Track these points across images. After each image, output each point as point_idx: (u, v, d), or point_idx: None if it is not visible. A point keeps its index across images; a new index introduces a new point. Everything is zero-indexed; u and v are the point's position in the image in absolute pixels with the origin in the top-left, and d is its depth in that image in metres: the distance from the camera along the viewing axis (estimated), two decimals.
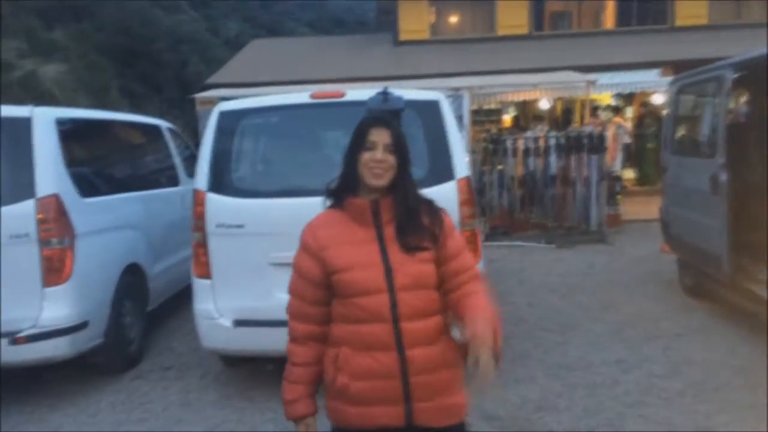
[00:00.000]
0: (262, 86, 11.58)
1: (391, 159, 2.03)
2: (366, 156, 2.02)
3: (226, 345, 4.57)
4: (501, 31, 16.54)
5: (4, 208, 4.42)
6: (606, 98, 14.70)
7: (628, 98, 15.08)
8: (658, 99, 13.66)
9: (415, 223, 2.05)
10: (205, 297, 4.47)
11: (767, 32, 11.87)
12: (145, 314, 5.76)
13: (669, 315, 6.03)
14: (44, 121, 4.69)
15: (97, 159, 5.75)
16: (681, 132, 6.85)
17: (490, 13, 16.65)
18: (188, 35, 31.26)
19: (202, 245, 4.41)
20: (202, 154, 4.54)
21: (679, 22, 16.19)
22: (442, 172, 4.28)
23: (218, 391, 4.81)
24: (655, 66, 13.64)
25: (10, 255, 4.40)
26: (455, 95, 10.24)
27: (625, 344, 5.33)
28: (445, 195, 3.90)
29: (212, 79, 15.12)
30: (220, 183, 4.45)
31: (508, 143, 10.48)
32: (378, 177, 2.02)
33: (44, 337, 4.43)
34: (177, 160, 7.09)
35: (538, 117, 14.27)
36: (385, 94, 2.36)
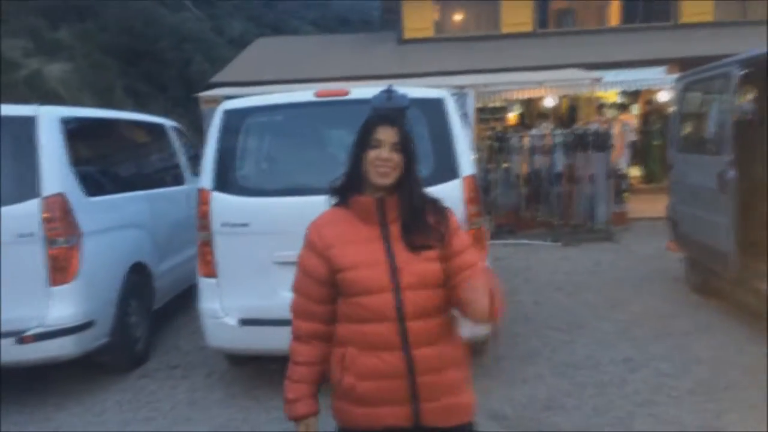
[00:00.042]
0: (267, 85, 11.58)
1: (397, 158, 2.01)
2: (372, 154, 2.00)
3: (232, 344, 4.57)
4: (505, 29, 16.48)
5: (10, 208, 4.41)
6: (611, 96, 14.63)
7: (633, 96, 15.01)
8: (663, 96, 13.60)
9: (420, 222, 2.03)
10: (210, 296, 4.46)
11: None
12: (151, 313, 5.75)
13: (677, 313, 5.99)
14: (49, 120, 4.69)
15: (102, 158, 5.75)
16: (687, 129, 6.81)
17: (495, 10, 16.59)
18: (192, 34, 31.28)
19: (207, 244, 4.40)
20: (206, 153, 4.53)
21: (684, 20, 16.11)
22: (448, 170, 4.26)
23: (224, 390, 4.80)
24: (660, 63, 13.57)
25: (16, 254, 4.39)
26: (460, 93, 10.21)
27: (632, 343, 5.30)
28: (450, 193, 3.88)
29: (216, 78, 15.11)
30: (224, 182, 4.44)
31: (514, 141, 10.45)
32: (384, 176, 2.00)
33: (50, 336, 4.43)
34: (182, 159, 7.09)
35: (543, 115, 14.21)
36: (389, 92, 2.33)
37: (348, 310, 2.04)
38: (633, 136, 13.62)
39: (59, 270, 4.47)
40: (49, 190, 4.48)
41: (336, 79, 12.28)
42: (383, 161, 1.99)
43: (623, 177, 11.35)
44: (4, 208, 4.40)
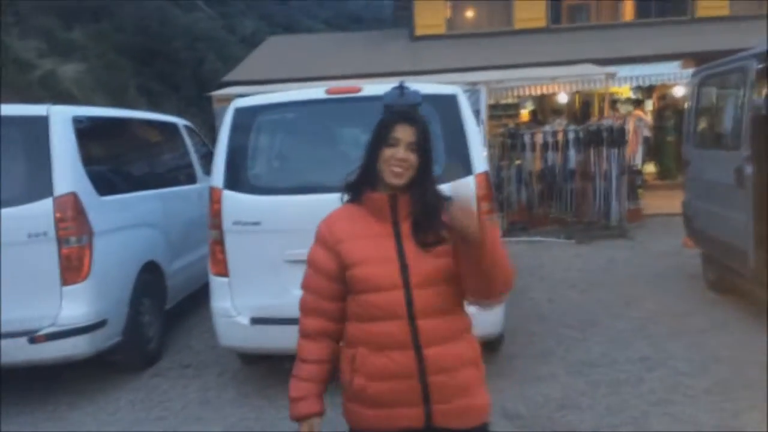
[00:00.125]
0: (279, 83, 11.58)
1: (413, 158, 1.97)
2: (387, 153, 1.97)
3: (244, 343, 4.56)
4: (518, 25, 16.39)
5: (23, 207, 4.43)
6: (625, 91, 14.52)
7: (647, 91, 14.88)
8: (678, 91, 13.48)
9: (432, 220, 1.98)
10: (222, 295, 4.45)
11: None
12: (164, 312, 5.76)
13: (693, 311, 5.92)
14: (61, 120, 4.69)
15: (114, 157, 5.75)
16: (703, 124, 6.72)
17: (507, 6, 16.51)
18: (205, 33, 31.41)
19: (219, 243, 4.40)
20: (218, 151, 4.53)
21: (699, 14, 15.95)
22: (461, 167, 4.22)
23: (236, 389, 4.80)
24: (675, 58, 13.45)
25: (29, 254, 4.40)
26: (472, 90, 10.15)
27: (648, 341, 5.24)
28: None
29: (229, 77, 15.14)
30: (236, 180, 4.43)
31: (526, 138, 10.38)
32: (397, 176, 1.97)
33: (63, 336, 4.44)
34: (194, 158, 7.09)
35: (557, 111, 14.13)
36: (401, 89, 2.31)
37: (357, 309, 2.01)
38: (647, 132, 13.51)
39: (72, 269, 4.47)
40: (61, 190, 4.49)
41: (348, 76, 12.25)
42: (398, 161, 1.96)
43: (638, 173, 11.25)
44: (17, 208, 4.41)
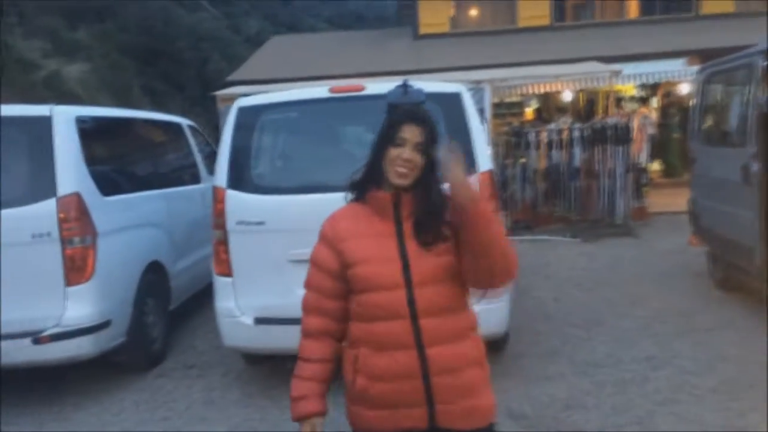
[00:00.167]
0: (283, 82, 11.57)
1: (419, 159, 1.94)
2: (393, 152, 1.94)
3: (248, 343, 4.55)
4: (522, 23, 16.34)
5: (26, 208, 4.42)
6: (630, 89, 14.46)
7: (652, 89, 14.82)
8: (684, 89, 13.41)
9: (434, 220, 1.96)
10: (226, 295, 4.44)
11: None
12: (168, 312, 5.75)
13: (699, 309, 5.89)
14: (64, 120, 4.68)
15: (118, 157, 5.75)
16: (709, 122, 6.69)
17: (511, 5, 16.45)
18: (209, 33, 31.46)
19: (223, 243, 4.38)
20: (221, 151, 4.51)
21: (704, 11, 15.87)
22: (465, 165, 4.20)
23: (241, 390, 4.79)
24: (680, 55, 13.38)
25: (33, 254, 4.40)
26: (476, 88, 10.10)
27: (654, 340, 5.21)
28: None
29: (233, 77, 15.13)
30: (239, 180, 4.42)
31: (531, 136, 10.35)
32: (402, 177, 1.94)
33: (67, 336, 4.43)
34: (198, 158, 7.09)
35: (561, 109, 14.08)
36: (405, 87, 2.29)
37: (359, 308, 1.99)
38: (652, 130, 13.46)
39: (75, 270, 4.46)
40: (65, 190, 4.48)
41: (352, 75, 12.21)
42: (404, 161, 1.93)
43: (643, 171, 11.21)
44: (20, 209, 4.41)
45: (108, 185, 4.97)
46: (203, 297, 6.14)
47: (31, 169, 4.55)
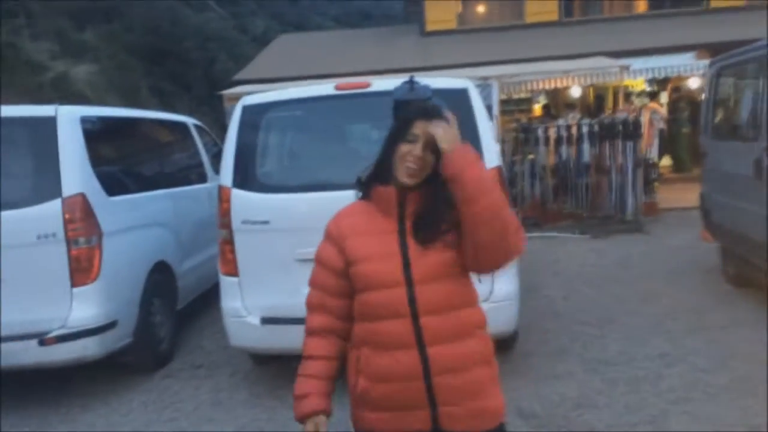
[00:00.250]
0: (289, 81, 11.54)
1: (430, 158, 1.89)
2: (404, 148, 1.89)
3: (255, 343, 4.52)
4: (530, 19, 16.26)
5: (31, 209, 4.40)
6: (639, 84, 14.36)
7: (662, 83, 14.71)
8: (693, 83, 13.30)
9: (435, 218, 1.91)
10: (232, 295, 4.41)
11: None
12: (175, 312, 5.73)
13: (712, 306, 5.81)
14: (69, 120, 4.66)
15: (123, 157, 5.72)
16: (721, 116, 6.60)
17: (519, 0, 16.38)
18: (216, 33, 31.48)
19: (229, 242, 4.35)
20: (226, 150, 4.48)
21: (713, 4, 15.74)
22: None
23: (248, 390, 4.76)
24: (689, 50, 13.26)
25: (38, 255, 4.38)
26: (484, 84, 10.06)
27: (666, 337, 5.14)
28: None
29: (239, 76, 15.11)
30: (245, 178, 4.38)
31: (539, 132, 10.28)
32: (411, 175, 1.90)
33: (73, 338, 4.41)
34: (204, 157, 7.06)
35: (570, 105, 14.00)
36: (411, 83, 2.25)
37: (361, 308, 1.95)
38: (662, 125, 13.37)
39: (81, 270, 4.44)
40: (70, 191, 4.46)
41: (359, 73, 12.16)
42: (414, 158, 1.88)
43: (653, 166, 11.12)
44: (26, 210, 4.39)
45: (113, 185, 4.95)
46: (211, 297, 6.12)
47: (36, 169, 4.53)
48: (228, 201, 4.34)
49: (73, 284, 4.43)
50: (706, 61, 8.72)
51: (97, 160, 4.78)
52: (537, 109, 15.35)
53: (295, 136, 4.83)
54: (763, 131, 5.22)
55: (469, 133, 4.22)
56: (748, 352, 4.72)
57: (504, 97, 12.01)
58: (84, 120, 4.81)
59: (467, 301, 1.97)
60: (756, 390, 4.09)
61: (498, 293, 4.18)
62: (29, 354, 4.34)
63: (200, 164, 6.96)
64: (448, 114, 1.90)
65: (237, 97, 10.67)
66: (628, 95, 13.57)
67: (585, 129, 9.95)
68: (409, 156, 1.89)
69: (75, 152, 4.60)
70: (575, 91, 13.84)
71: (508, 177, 9.55)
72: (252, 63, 16.96)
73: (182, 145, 6.87)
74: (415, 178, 1.90)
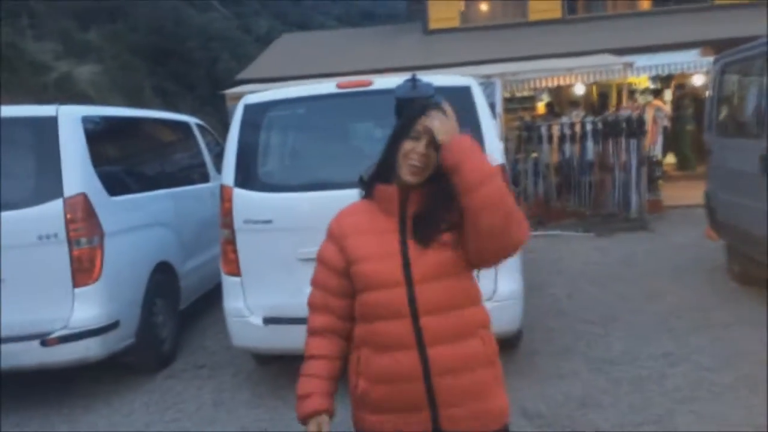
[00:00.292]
0: (292, 80, 11.53)
1: (433, 156, 1.86)
2: (408, 145, 1.87)
3: (257, 343, 4.50)
4: (533, 17, 16.21)
5: (33, 209, 4.39)
6: (643, 81, 14.30)
7: (666, 80, 14.65)
8: (697, 80, 13.23)
9: (439, 216, 1.89)
10: (234, 295, 4.39)
11: None
12: (177, 313, 5.71)
13: (717, 304, 5.78)
14: (70, 120, 4.65)
15: (125, 157, 5.71)
16: (726, 112, 6.56)
17: None
18: (219, 33, 31.47)
19: (231, 242, 4.33)
20: (228, 149, 4.46)
21: (718, 1, 15.66)
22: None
23: (251, 390, 4.74)
24: (694, 46, 13.19)
25: (40, 256, 4.37)
26: (487, 82, 10.03)
27: (671, 336, 5.11)
28: None
29: (242, 75, 15.11)
30: (247, 178, 4.36)
31: (543, 130, 10.24)
32: (414, 173, 1.87)
33: (75, 338, 4.40)
34: (207, 157, 7.05)
35: (573, 103, 13.95)
36: (413, 81, 2.23)
37: (361, 308, 1.93)
38: (666, 122, 13.32)
39: (83, 271, 4.43)
40: (71, 191, 4.45)
41: (362, 72, 12.14)
42: (418, 156, 1.86)
43: (657, 164, 11.07)
44: (27, 210, 4.38)
45: (115, 185, 4.94)
46: (213, 297, 6.10)
47: (38, 169, 4.51)
48: (230, 200, 4.32)
49: (75, 285, 4.42)
50: (710, 58, 8.68)
51: (98, 159, 4.77)
52: (540, 107, 15.31)
53: (297, 135, 4.81)
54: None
55: (472, 131, 4.17)
56: (753, 350, 4.68)
57: (507, 95, 11.99)
58: (85, 120, 4.80)
59: (470, 301, 1.94)
60: (761, 389, 4.05)
61: (502, 292, 4.15)
62: (31, 355, 4.33)
63: (203, 164, 6.95)
64: (446, 105, 1.87)
65: (239, 97, 10.67)
66: (631, 93, 13.52)
67: (588, 127, 9.91)
68: (412, 153, 1.86)
69: (76, 152, 4.59)
70: (579, 89, 13.78)
71: (512, 175, 9.52)
72: (255, 62, 16.96)
73: (184, 145, 6.86)
74: (418, 176, 1.88)
